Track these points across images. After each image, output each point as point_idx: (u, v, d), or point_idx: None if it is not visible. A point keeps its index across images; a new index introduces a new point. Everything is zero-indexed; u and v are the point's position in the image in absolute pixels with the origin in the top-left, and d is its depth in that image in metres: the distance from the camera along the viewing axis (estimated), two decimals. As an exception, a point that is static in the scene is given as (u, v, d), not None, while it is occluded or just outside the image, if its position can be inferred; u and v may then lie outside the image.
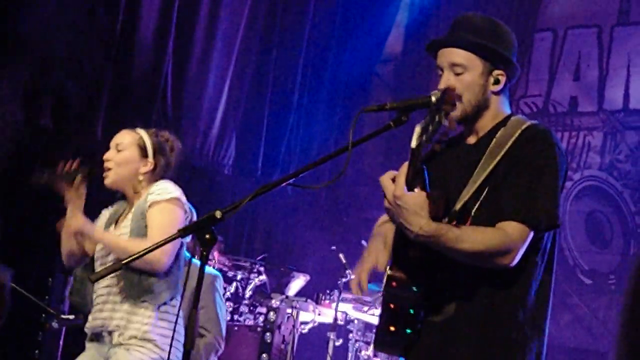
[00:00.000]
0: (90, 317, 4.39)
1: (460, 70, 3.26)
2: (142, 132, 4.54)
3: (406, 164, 2.97)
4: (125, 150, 4.45)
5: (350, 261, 7.40)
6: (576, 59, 9.06)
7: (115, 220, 4.52)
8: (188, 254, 4.96)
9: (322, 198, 10.21)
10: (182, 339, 4.30)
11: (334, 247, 7.62)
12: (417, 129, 2.91)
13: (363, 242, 7.96)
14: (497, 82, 3.30)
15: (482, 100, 3.29)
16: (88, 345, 4.42)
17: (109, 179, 4.44)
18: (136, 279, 4.24)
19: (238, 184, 9.33)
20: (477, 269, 3.12)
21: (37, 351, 6.63)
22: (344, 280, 7.34)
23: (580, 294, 8.46)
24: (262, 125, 9.52)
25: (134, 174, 4.46)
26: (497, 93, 3.32)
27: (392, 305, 3.19)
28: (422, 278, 3.15)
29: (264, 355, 7.07)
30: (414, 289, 3.14)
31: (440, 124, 2.91)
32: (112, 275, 4.17)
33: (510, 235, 3.05)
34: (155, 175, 4.49)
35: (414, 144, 2.91)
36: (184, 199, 4.38)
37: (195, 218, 4.37)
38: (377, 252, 3.41)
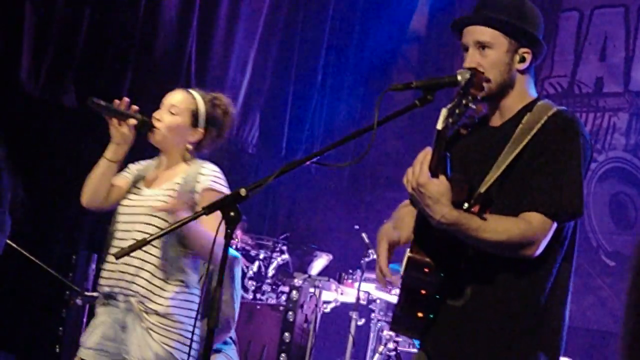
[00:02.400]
0: (103, 280, 4.26)
1: (486, 48, 3.24)
2: (198, 98, 4.42)
3: (430, 149, 2.96)
4: (178, 116, 4.34)
5: (373, 241, 7.38)
6: (602, 39, 8.98)
7: (142, 178, 4.41)
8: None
9: (345, 177, 10.20)
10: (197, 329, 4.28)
11: (357, 227, 7.62)
12: (444, 112, 2.90)
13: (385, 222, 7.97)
14: (522, 60, 3.28)
15: (508, 79, 3.28)
16: (100, 310, 4.29)
17: (155, 138, 4.33)
18: (173, 256, 4.18)
19: (262, 163, 9.33)
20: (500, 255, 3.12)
21: (60, 328, 6.66)
22: (366, 259, 7.34)
23: (604, 276, 8.43)
24: (286, 105, 9.50)
25: (182, 142, 4.36)
26: (522, 72, 3.31)
27: (423, 292, 3.18)
28: (443, 261, 3.15)
29: (287, 334, 7.08)
30: (442, 274, 3.13)
31: (467, 107, 2.89)
32: (153, 245, 4.07)
33: (533, 226, 3.04)
34: (202, 145, 4.43)
35: (440, 126, 2.90)
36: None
37: None
38: (387, 235, 3.42)
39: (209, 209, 3.12)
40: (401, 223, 3.49)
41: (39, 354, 6.94)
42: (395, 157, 9.65)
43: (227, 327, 5.98)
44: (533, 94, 3.36)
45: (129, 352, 4.13)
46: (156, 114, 4.35)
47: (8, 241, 5.52)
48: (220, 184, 4.30)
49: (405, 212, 3.52)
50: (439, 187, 2.95)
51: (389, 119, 3.14)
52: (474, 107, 2.91)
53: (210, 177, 4.29)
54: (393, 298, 7.33)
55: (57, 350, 6.68)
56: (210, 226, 4.10)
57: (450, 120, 2.88)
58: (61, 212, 7.19)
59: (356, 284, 7.36)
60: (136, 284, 4.15)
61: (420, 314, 3.21)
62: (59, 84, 7.30)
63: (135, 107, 4.28)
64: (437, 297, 3.18)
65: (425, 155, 2.98)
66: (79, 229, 7.39)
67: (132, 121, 4.24)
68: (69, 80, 7.36)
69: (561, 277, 3.22)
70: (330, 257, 8.25)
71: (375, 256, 7.25)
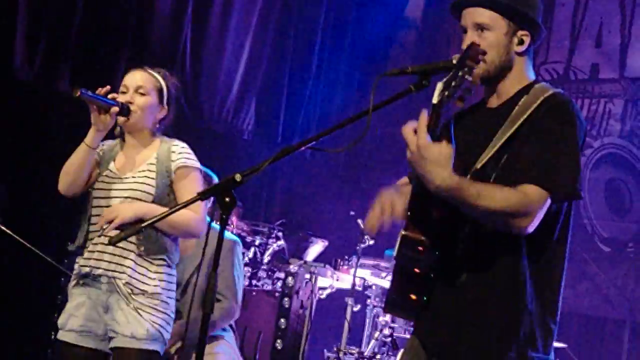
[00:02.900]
0: (82, 260, 4.30)
1: (485, 30, 3.24)
2: (158, 76, 4.49)
3: (425, 113, 2.91)
4: (148, 95, 4.39)
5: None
6: (598, 25, 8.98)
7: (110, 159, 4.44)
8: (208, 218, 4.94)
9: (340, 163, 10.20)
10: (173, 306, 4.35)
11: (352, 213, 7.62)
12: (439, 85, 2.89)
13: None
14: (521, 42, 3.28)
15: (506, 61, 3.27)
16: (76, 291, 4.31)
17: (132, 122, 4.36)
18: (154, 236, 4.23)
19: (257, 148, 9.33)
20: (496, 235, 3.10)
21: (56, 314, 6.65)
22: (362, 245, 7.34)
23: (599, 262, 8.44)
24: (281, 90, 9.50)
25: (153, 120, 4.43)
26: (521, 54, 3.30)
27: (417, 271, 3.16)
28: (438, 241, 3.13)
29: (282, 320, 7.09)
30: (437, 252, 3.12)
31: (463, 79, 2.86)
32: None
33: (529, 197, 3.01)
34: (165, 121, 4.50)
35: (435, 99, 2.89)
36: None
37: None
38: (393, 197, 3.35)
39: (204, 195, 3.12)
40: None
41: (34, 340, 6.95)
42: (391, 143, 9.64)
43: (230, 313, 5.98)
44: (531, 76, 3.36)
45: (117, 330, 4.17)
46: (127, 98, 4.38)
47: (3, 227, 5.53)
48: (193, 159, 4.39)
49: (407, 190, 3.47)
50: (441, 150, 2.89)
51: (384, 104, 3.14)
52: (470, 79, 2.88)
53: (183, 155, 4.36)
54: (389, 284, 7.32)
55: (53, 336, 6.68)
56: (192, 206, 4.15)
57: (446, 93, 2.87)
58: (56, 198, 7.18)
59: (352, 270, 7.37)
60: (122, 265, 4.20)
61: (413, 296, 3.20)
62: (53, 70, 7.29)
63: (115, 95, 4.32)
64: (431, 276, 3.18)
65: (422, 119, 2.92)
66: (73, 215, 7.38)
67: (115, 108, 4.26)
68: (63, 67, 7.35)
69: (557, 263, 3.22)
70: (326, 243, 8.26)
71: (371, 241, 7.28)
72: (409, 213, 3.16)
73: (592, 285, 8.45)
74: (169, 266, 4.28)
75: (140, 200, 4.24)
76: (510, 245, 3.13)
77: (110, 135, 4.50)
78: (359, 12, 10.12)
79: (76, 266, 4.35)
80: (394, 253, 3.16)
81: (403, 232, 3.12)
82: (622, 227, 8.46)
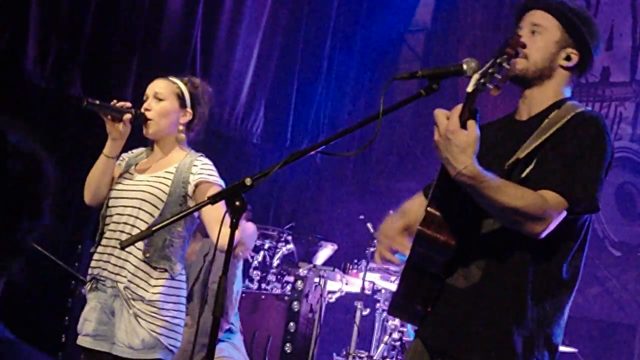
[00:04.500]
0: (92, 263, 4.34)
1: (537, 33, 3.30)
2: (178, 81, 4.50)
3: (460, 104, 2.94)
4: (166, 100, 4.41)
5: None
6: (609, 28, 8.96)
7: (134, 164, 4.47)
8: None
9: (350, 167, 10.20)
10: (183, 315, 4.33)
11: (362, 216, 7.61)
12: (476, 76, 2.90)
13: (391, 211, 7.96)
14: (568, 58, 3.32)
15: (547, 68, 3.31)
16: (90, 295, 4.36)
17: (151, 129, 4.39)
18: (160, 244, 4.22)
19: (267, 152, 9.34)
20: (511, 237, 3.10)
21: (67, 317, 6.67)
22: (371, 249, 7.34)
23: (609, 266, 8.42)
24: (291, 94, 9.50)
25: (174, 125, 4.43)
26: (564, 69, 3.33)
27: (428, 270, 3.16)
28: (454, 241, 3.13)
29: (292, 323, 7.09)
30: (450, 253, 3.12)
31: (501, 67, 2.89)
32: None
33: (548, 202, 3.02)
34: (193, 124, 4.49)
35: (470, 88, 2.90)
36: None
37: None
38: (389, 230, 3.44)
39: (214, 199, 3.11)
40: (406, 211, 3.49)
41: (45, 343, 6.96)
42: (401, 147, 9.64)
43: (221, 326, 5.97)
44: (566, 94, 3.38)
45: (116, 337, 4.19)
46: (145, 106, 4.42)
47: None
48: (215, 177, 4.35)
49: (409, 204, 3.52)
50: (467, 137, 2.91)
51: (394, 108, 3.13)
52: (507, 67, 2.91)
53: (205, 170, 4.34)
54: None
55: (63, 339, 6.70)
56: (217, 216, 4.10)
57: (482, 80, 2.88)
58: (67, 201, 7.20)
59: (361, 274, 7.36)
60: (125, 270, 4.21)
61: (419, 306, 3.20)
62: (64, 73, 7.31)
63: (128, 104, 4.35)
64: (442, 277, 3.17)
65: (458, 107, 2.96)
66: (84, 218, 7.40)
67: (127, 116, 4.30)
68: (74, 70, 7.36)
69: (572, 273, 3.22)
70: (335, 247, 8.25)
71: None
72: (427, 208, 3.16)
73: (602, 290, 8.42)
74: (170, 275, 4.24)
75: (149, 203, 4.24)
76: (525, 252, 3.13)
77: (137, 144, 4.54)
78: (369, 16, 10.12)
79: (90, 268, 4.39)
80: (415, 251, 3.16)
81: (419, 227, 3.12)
82: (633, 231, 8.44)
